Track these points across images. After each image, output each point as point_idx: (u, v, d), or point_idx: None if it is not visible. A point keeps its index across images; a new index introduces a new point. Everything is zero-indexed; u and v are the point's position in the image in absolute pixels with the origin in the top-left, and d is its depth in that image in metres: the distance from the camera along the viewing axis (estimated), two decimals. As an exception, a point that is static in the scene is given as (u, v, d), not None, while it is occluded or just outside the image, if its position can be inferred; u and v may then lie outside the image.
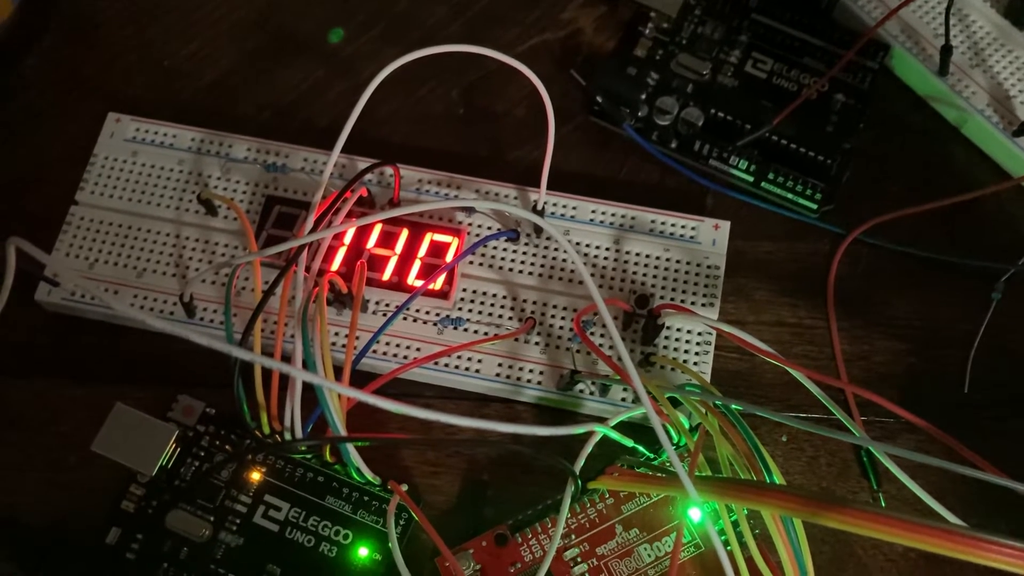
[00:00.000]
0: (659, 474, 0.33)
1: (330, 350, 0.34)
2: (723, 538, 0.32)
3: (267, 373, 0.33)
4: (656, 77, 0.43)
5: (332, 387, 0.30)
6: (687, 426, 0.33)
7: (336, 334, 0.38)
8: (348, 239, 0.39)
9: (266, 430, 0.33)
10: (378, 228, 0.39)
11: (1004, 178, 0.41)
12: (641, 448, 0.35)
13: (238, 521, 0.35)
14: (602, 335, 0.38)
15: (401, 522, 0.35)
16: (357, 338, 0.36)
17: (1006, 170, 0.42)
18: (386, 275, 0.38)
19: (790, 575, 0.30)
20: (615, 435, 0.33)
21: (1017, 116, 0.41)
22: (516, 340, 0.37)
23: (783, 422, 0.34)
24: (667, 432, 0.32)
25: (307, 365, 0.33)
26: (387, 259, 0.38)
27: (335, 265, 0.38)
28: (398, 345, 0.38)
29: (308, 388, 0.33)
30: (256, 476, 0.35)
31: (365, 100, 0.35)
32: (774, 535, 0.30)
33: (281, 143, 0.41)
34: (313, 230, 0.36)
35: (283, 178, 0.41)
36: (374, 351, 0.37)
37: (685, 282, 0.39)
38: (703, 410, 0.33)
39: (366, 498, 0.35)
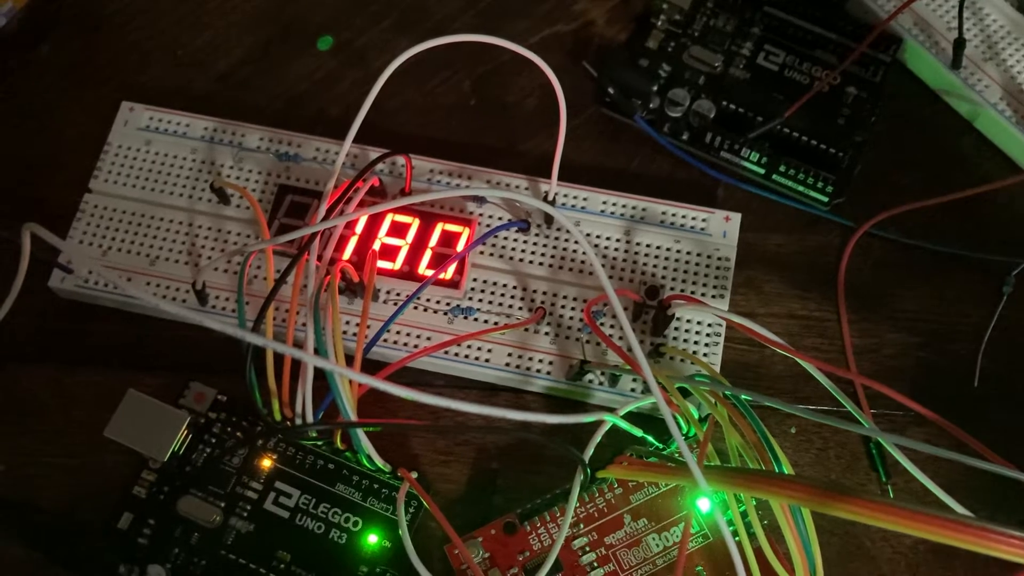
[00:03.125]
0: (668, 464, 0.33)
1: (341, 338, 0.34)
2: (732, 528, 0.32)
3: (279, 360, 0.34)
4: (668, 69, 0.43)
5: (343, 373, 0.30)
6: (696, 416, 0.34)
7: (347, 323, 0.38)
8: (360, 228, 0.39)
9: (277, 416, 0.34)
10: (389, 218, 0.39)
11: (1016, 172, 0.41)
12: (650, 438, 0.35)
13: (249, 507, 0.35)
14: (612, 326, 0.38)
15: (411, 509, 0.35)
16: (368, 327, 0.37)
17: (1018, 164, 0.41)
18: (397, 264, 0.38)
19: (798, 566, 0.30)
20: (624, 424, 0.33)
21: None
22: (526, 330, 0.38)
23: (793, 413, 0.35)
24: (676, 422, 0.33)
25: (319, 352, 0.33)
26: (398, 248, 0.39)
27: (347, 254, 0.38)
28: (408, 334, 0.38)
29: (319, 377, 0.33)
30: (267, 463, 0.36)
31: (378, 89, 0.35)
32: (783, 525, 0.30)
33: (293, 133, 0.41)
34: (325, 218, 0.36)
35: (295, 167, 0.41)
36: (384, 340, 0.38)
37: (695, 273, 0.39)
38: (712, 400, 0.33)
39: (376, 486, 0.35)
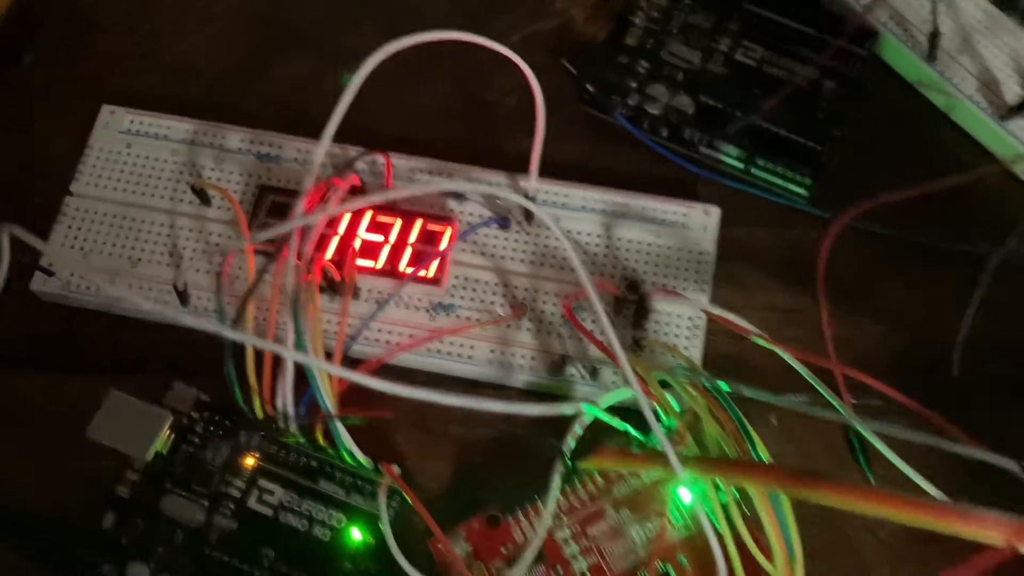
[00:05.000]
0: (647, 452, 0.34)
1: (322, 336, 0.34)
2: (712, 518, 0.32)
3: (260, 359, 0.34)
4: (647, 66, 0.43)
5: (321, 366, 0.30)
6: (676, 408, 0.34)
7: (328, 322, 0.38)
8: (343, 229, 0.39)
9: (259, 414, 0.34)
10: (369, 215, 0.39)
11: (993, 163, 0.42)
12: (631, 430, 0.35)
13: (232, 506, 0.35)
14: (593, 321, 0.38)
15: (394, 505, 0.35)
16: (349, 325, 0.37)
17: (995, 155, 0.42)
18: (378, 263, 0.39)
19: (778, 555, 0.30)
20: (602, 414, 0.33)
21: (1005, 101, 0.41)
22: (507, 326, 0.38)
23: (770, 401, 0.35)
24: (657, 414, 0.33)
25: (299, 348, 0.33)
26: (379, 247, 0.39)
27: (328, 254, 0.39)
28: (390, 332, 0.38)
29: (300, 376, 0.33)
30: (250, 461, 0.36)
31: (356, 88, 0.36)
32: (762, 515, 0.30)
33: (275, 133, 0.42)
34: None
35: (276, 168, 0.41)
36: (366, 338, 0.38)
37: (676, 267, 0.39)
38: (692, 391, 0.33)
39: (359, 482, 0.35)
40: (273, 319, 0.35)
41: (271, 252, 0.38)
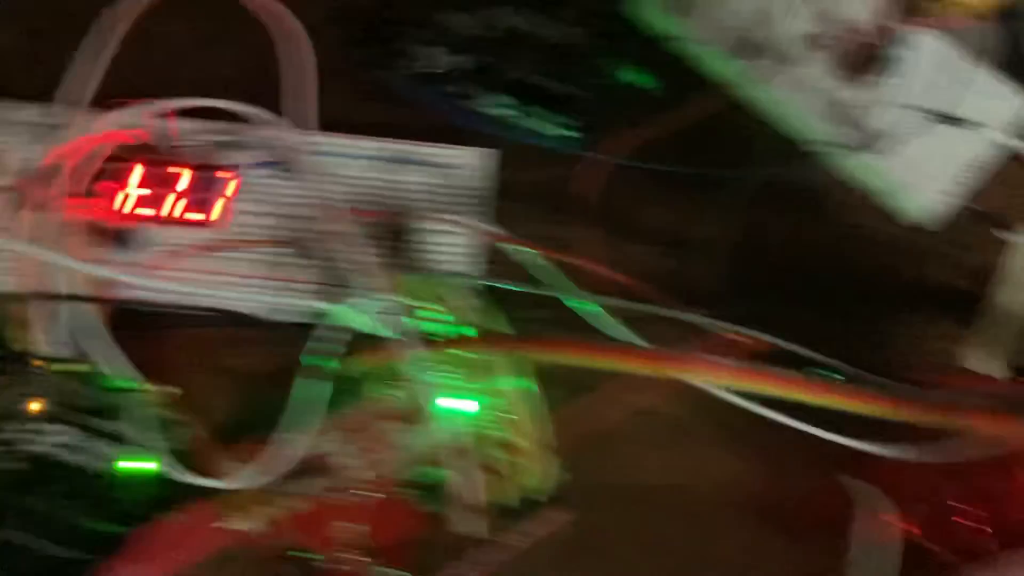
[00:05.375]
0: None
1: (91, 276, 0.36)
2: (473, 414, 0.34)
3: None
4: (421, 27, 0.46)
5: (71, 265, 0.31)
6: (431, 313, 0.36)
7: (107, 272, 0.39)
8: (134, 186, 0.41)
9: (21, 346, 0.35)
10: (140, 169, 0.41)
11: (741, 96, 0.46)
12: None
13: (18, 448, 0.36)
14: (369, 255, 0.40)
15: (176, 432, 0.36)
16: (129, 271, 0.38)
17: (737, 91, 0.46)
18: (163, 211, 0.40)
19: (531, 438, 0.33)
20: (340, 312, 0.36)
21: (740, 42, 0.45)
22: (284, 263, 0.40)
23: (513, 288, 0.37)
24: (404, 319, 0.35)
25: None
26: (163, 196, 0.40)
27: (117, 205, 0.40)
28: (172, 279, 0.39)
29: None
30: (34, 405, 0.36)
31: (111, 46, 0.38)
32: (516, 406, 0.32)
33: (58, 106, 0.43)
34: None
35: (56, 135, 0.42)
36: (147, 286, 0.39)
37: (454, 206, 0.42)
38: (453, 300, 0.35)
39: (143, 413, 0.36)
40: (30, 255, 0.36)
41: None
